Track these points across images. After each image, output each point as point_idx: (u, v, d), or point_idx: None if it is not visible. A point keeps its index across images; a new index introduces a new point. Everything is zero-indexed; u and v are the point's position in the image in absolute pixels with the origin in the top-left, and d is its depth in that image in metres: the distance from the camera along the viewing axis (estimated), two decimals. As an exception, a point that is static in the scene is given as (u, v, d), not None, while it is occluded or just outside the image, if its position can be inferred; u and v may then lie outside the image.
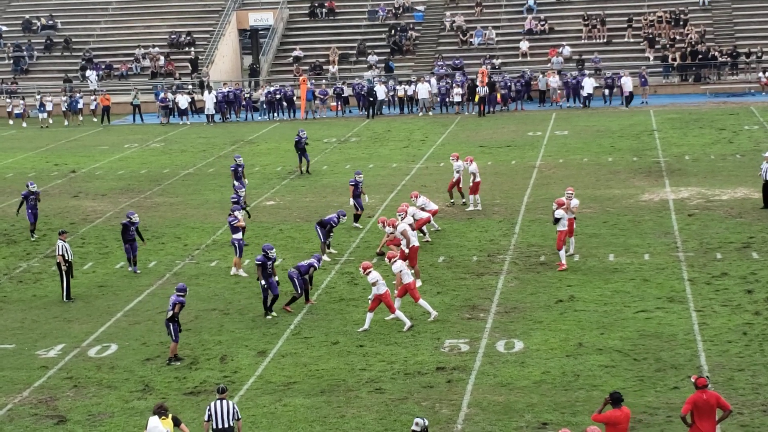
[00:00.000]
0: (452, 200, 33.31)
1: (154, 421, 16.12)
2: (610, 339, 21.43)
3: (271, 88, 55.83)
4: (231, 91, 56.17)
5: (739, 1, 60.71)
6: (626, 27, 59.98)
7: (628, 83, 51.87)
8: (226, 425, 16.47)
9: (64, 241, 25.99)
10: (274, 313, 23.86)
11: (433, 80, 54.20)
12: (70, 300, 25.71)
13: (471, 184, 32.45)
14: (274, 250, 24.50)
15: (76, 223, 33.71)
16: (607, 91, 53.02)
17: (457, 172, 32.91)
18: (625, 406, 15.65)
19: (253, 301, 25.06)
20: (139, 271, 27.61)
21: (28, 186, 32.16)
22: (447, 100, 54.02)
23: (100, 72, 62.28)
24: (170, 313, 21.40)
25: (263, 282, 23.82)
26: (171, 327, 21.38)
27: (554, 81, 54.31)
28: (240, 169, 34.89)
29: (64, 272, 25.80)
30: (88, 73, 61.52)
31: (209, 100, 54.65)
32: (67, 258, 25.80)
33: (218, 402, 16.65)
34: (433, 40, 62.69)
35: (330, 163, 41.35)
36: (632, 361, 20.26)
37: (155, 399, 19.23)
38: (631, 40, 59.49)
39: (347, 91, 55.41)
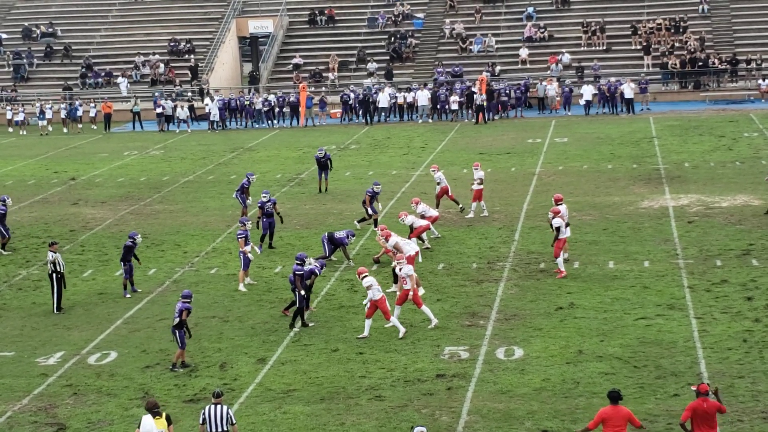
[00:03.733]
0: (461, 206, 33.11)
1: (147, 421, 16.10)
2: (610, 346, 21.41)
3: (270, 96, 55.86)
4: (232, 99, 56.23)
5: (738, 8, 60.83)
6: (626, 34, 60.05)
7: (627, 90, 51.89)
8: (220, 429, 16.46)
9: (55, 253, 25.61)
10: (296, 328, 23.51)
11: (425, 91, 54.00)
12: (61, 311, 25.41)
13: (474, 190, 32.38)
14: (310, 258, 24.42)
15: (76, 230, 33.69)
16: (594, 99, 52.96)
17: (438, 183, 32.86)
18: (622, 406, 15.67)
19: (252, 309, 25.05)
20: (140, 290, 27.05)
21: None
22: (446, 107, 54.04)
23: (99, 78, 62.34)
24: (177, 320, 21.38)
25: (303, 292, 23.47)
26: (177, 334, 21.33)
27: (553, 88, 54.38)
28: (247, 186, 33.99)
29: (55, 284, 25.47)
30: (119, 80, 61.29)
31: (213, 107, 54.69)
32: (58, 269, 25.51)
33: (213, 406, 16.63)
34: (433, 47, 62.76)
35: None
36: (632, 368, 20.24)
37: (155, 406, 19.21)
38: (632, 47, 59.54)
39: (352, 98, 55.42)
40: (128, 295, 26.52)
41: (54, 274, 25.50)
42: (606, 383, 19.45)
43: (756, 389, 18.97)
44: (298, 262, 23.70)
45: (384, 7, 65.36)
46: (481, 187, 32.42)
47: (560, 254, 26.39)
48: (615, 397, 15.73)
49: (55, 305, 25.53)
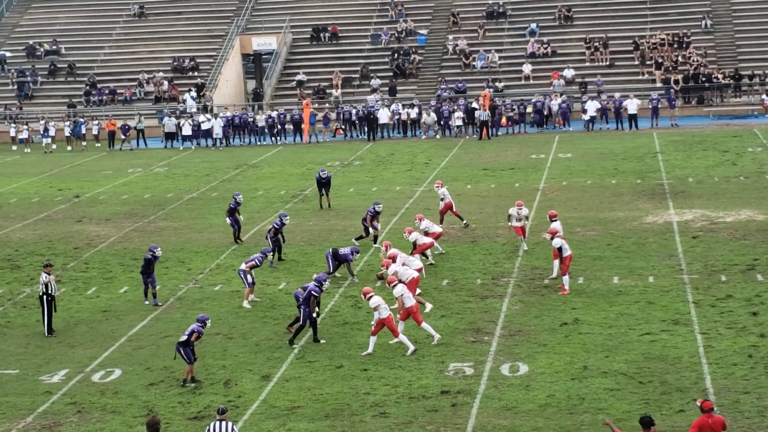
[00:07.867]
0: (465, 221, 33.23)
1: None
2: (615, 362, 21.36)
3: (273, 113, 55.98)
4: (236, 116, 56.37)
5: (741, 23, 60.89)
6: (629, 50, 60.12)
7: (631, 105, 51.92)
8: (225, 446, 16.44)
9: (49, 275, 25.17)
10: (296, 345, 23.50)
11: (432, 114, 54.16)
12: (52, 335, 24.92)
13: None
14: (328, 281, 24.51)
15: (80, 247, 33.70)
16: (597, 114, 52.99)
17: (442, 199, 33.01)
18: (655, 429, 15.51)
19: (256, 325, 25.03)
20: (160, 303, 27.16)
21: None
22: (449, 123, 54.09)
23: (103, 96, 62.45)
24: (184, 338, 21.37)
25: (315, 315, 23.52)
26: (182, 351, 21.31)
27: (556, 104, 54.42)
28: (237, 206, 33.51)
29: (45, 306, 25.01)
30: (185, 96, 61.05)
31: (217, 124, 54.80)
32: (50, 292, 25.04)
33: (218, 423, 16.59)
34: (436, 63, 62.85)
35: (333, 186, 41.17)
36: (637, 384, 20.19)
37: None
38: (636, 63, 59.62)
39: (354, 115, 55.47)
40: (158, 303, 26.85)
41: (45, 297, 25.08)
42: (611, 399, 19.41)
43: (762, 405, 18.90)
44: (316, 284, 23.71)
45: (387, 24, 65.51)
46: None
47: (567, 272, 26.38)
48: (646, 422, 15.39)
49: (46, 328, 25.11)
